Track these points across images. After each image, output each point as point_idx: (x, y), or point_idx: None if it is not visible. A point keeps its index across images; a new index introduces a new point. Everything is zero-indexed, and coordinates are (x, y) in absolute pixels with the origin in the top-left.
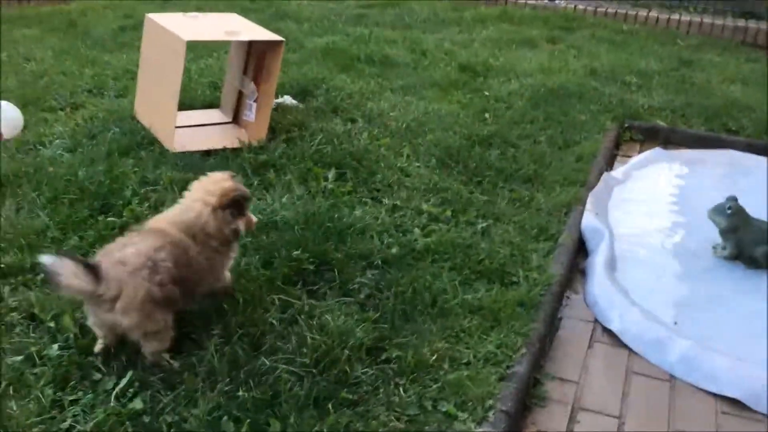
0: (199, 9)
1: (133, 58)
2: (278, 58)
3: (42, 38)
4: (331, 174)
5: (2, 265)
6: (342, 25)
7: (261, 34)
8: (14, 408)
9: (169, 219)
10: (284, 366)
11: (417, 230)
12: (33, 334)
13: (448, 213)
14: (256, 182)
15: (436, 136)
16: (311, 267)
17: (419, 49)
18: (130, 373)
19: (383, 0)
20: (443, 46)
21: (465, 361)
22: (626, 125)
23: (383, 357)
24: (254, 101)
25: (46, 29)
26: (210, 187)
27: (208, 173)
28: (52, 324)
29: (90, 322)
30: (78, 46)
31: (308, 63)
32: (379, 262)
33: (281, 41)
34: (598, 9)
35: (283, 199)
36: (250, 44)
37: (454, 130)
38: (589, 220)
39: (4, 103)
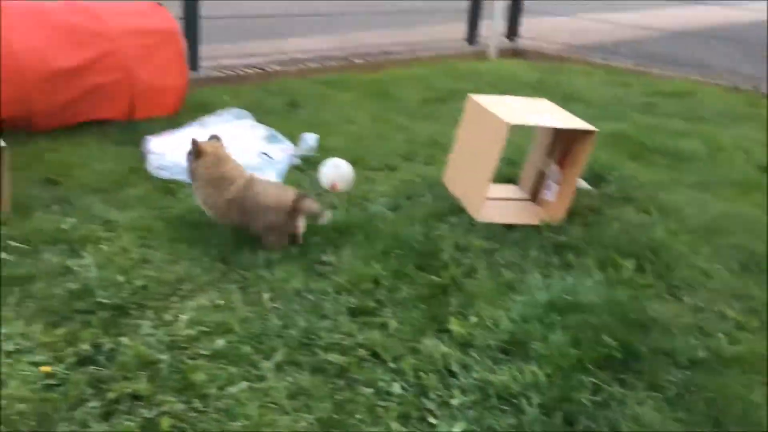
0: (504, 92)
1: (438, 128)
2: (588, 146)
3: (358, 103)
4: (630, 264)
5: (352, 305)
6: (630, 112)
7: (577, 123)
8: None
9: None
10: None
11: (722, 336)
12: (378, 370)
13: (755, 323)
14: (555, 261)
15: (737, 238)
16: (618, 355)
17: (714, 145)
18: (463, 423)
19: (671, 90)
20: (740, 142)
21: None
22: None
23: None
24: (556, 183)
25: (362, 94)
26: None
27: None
28: (393, 364)
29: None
30: (389, 113)
31: (598, 148)
32: (686, 362)
33: (594, 131)
34: None
35: (586, 283)
36: (558, 128)
37: (757, 234)
38: None
39: (342, 161)
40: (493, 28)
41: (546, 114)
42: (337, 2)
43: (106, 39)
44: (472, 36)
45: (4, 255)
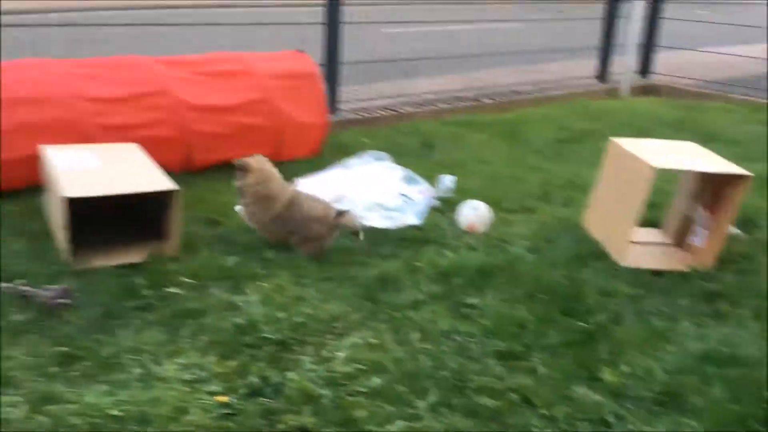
0: (640, 131)
1: (573, 169)
2: (740, 190)
3: (490, 143)
4: None
5: (500, 348)
6: None
7: (729, 167)
8: None
9: None
10: None
11: None
12: (530, 416)
13: None
14: (707, 310)
15: None
16: None
17: None
18: None
19: None
20: None
21: None
22: None
23: None
24: (705, 228)
25: (492, 134)
26: None
27: None
28: (545, 411)
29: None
30: (522, 153)
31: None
32: None
33: (748, 176)
34: None
35: (743, 334)
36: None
37: None
38: None
39: (481, 203)
40: (626, 64)
41: (693, 157)
42: (464, 41)
43: (254, 82)
44: (603, 73)
45: (177, 290)
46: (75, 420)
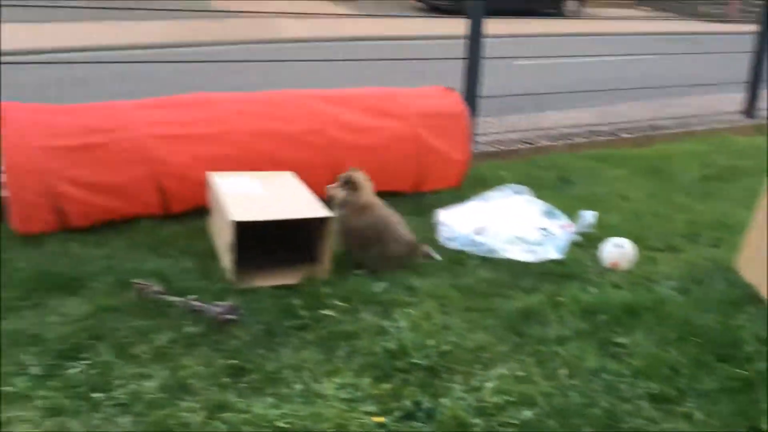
0: None
1: (721, 208)
2: None
3: (630, 179)
4: None
5: (652, 391)
6: None
7: None
8: None
9: None
10: None
11: None
12: None
13: None
14: None
15: None
16: None
17: None
18: None
19: None
20: None
21: None
22: None
23: None
24: None
25: (633, 170)
26: None
27: None
28: None
29: None
30: (665, 190)
31: None
32: None
33: None
34: None
35: None
36: None
37: None
38: None
39: (625, 240)
40: None
41: None
42: (599, 74)
43: (403, 118)
44: (751, 108)
45: (330, 312)
46: (247, 428)
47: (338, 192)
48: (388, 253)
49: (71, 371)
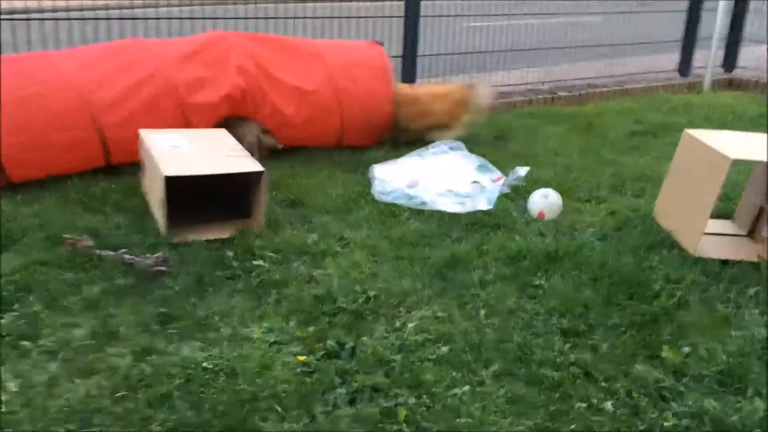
0: (720, 126)
1: (647, 162)
2: None
3: (566, 136)
4: None
5: (564, 326)
6: None
7: None
8: None
9: None
10: None
11: None
12: (590, 388)
13: None
14: None
15: None
16: None
17: None
18: None
19: None
20: None
21: None
22: None
23: None
24: None
25: (569, 127)
26: None
27: None
28: (605, 384)
29: None
30: (596, 146)
31: None
32: None
33: None
34: None
35: None
36: None
37: None
38: None
39: (551, 190)
40: (709, 58)
41: None
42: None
43: (324, 72)
44: (685, 67)
45: (261, 263)
46: (173, 370)
47: None
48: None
49: (0, 322)
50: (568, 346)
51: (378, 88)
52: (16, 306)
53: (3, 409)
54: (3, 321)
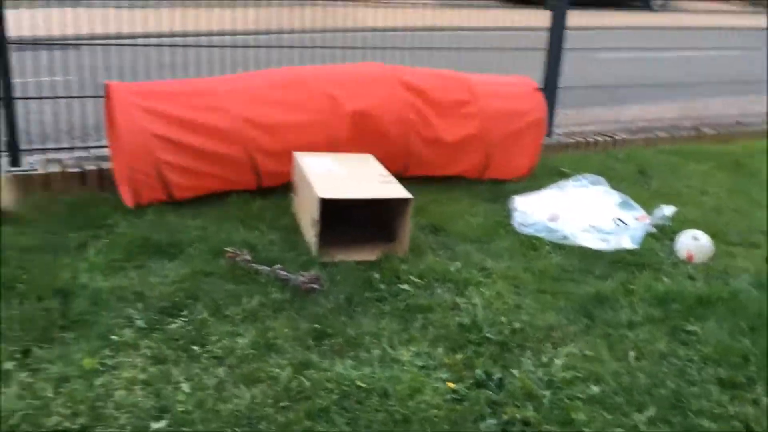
0: None
1: None
2: None
3: (712, 174)
4: None
5: (721, 377)
6: None
7: None
8: None
9: None
10: None
11: None
12: None
13: None
14: None
15: None
16: None
17: None
18: None
19: None
20: None
21: None
22: None
23: None
24: None
25: (715, 166)
26: None
27: None
28: None
29: None
30: (745, 187)
31: None
32: None
33: None
34: None
35: None
36: None
37: None
38: None
39: (701, 233)
40: None
41: None
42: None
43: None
44: None
45: (407, 287)
46: (329, 385)
47: None
48: None
49: (172, 326)
50: (726, 397)
51: (531, 137)
52: (185, 312)
53: (179, 409)
54: (173, 326)
